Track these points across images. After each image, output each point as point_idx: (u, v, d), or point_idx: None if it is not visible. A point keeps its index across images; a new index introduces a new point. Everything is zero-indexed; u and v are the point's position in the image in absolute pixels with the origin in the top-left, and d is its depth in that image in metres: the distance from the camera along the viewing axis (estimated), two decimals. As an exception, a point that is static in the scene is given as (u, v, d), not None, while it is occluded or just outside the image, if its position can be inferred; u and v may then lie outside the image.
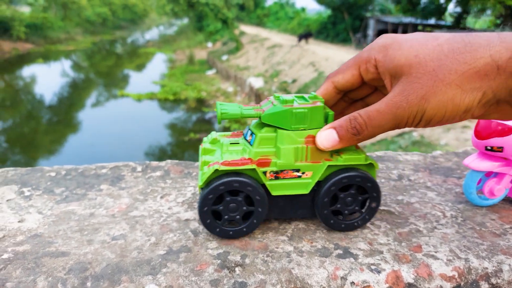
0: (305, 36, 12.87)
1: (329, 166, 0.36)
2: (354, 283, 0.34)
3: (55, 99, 11.32)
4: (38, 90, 12.30)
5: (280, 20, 21.38)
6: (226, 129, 7.33)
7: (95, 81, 13.90)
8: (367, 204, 0.38)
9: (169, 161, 0.59)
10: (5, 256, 0.36)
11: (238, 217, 0.37)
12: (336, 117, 0.39)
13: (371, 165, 0.37)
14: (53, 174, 0.54)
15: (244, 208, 0.36)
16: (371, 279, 0.34)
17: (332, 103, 0.40)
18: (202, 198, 0.35)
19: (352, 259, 0.36)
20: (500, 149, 0.44)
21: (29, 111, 10.34)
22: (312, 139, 0.36)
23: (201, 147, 0.40)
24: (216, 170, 0.35)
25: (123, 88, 11.91)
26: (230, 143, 0.38)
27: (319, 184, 0.37)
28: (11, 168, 0.56)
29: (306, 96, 0.38)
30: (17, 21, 17.46)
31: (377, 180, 0.50)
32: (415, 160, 0.63)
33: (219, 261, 0.35)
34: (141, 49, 20.76)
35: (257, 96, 9.01)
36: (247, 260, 0.35)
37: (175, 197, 0.48)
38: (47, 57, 17.20)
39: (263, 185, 0.37)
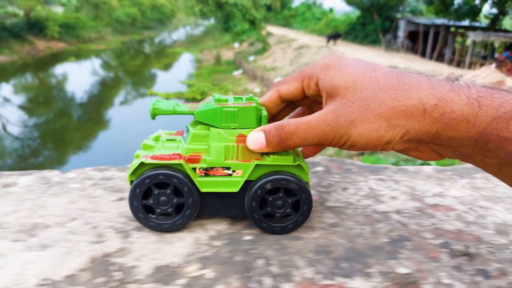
0: (334, 37, 12.72)
1: (257, 165, 0.37)
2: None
3: (86, 97, 11.62)
4: (70, 88, 12.66)
5: (307, 21, 21.23)
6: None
7: (123, 80, 14.20)
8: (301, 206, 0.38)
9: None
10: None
11: (170, 209, 0.37)
12: None
13: (300, 167, 0.37)
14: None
15: (175, 200, 0.36)
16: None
17: (277, 110, 0.41)
18: (131, 193, 0.36)
19: None
20: None
21: (61, 108, 10.65)
22: (243, 138, 0.36)
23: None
24: (142, 163, 0.36)
25: (150, 87, 12.10)
26: (167, 140, 0.39)
27: (250, 183, 0.37)
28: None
29: (244, 97, 0.38)
30: (51, 21, 18.06)
31: None
32: None
33: (446, 249, 0.36)
34: (169, 49, 21.06)
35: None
36: (472, 250, 0.36)
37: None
38: (78, 55, 17.70)
39: (194, 183, 0.37)
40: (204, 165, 0.36)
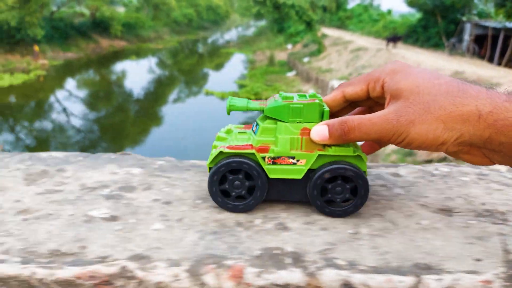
0: (393, 39, 12.20)
1: (319, 155, 0.40)
2: None
3: (142, 93, 12.07)
4: (128, 84, 13.22)
5: (363, 22, 20.59)
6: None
7: (178, 78, 14.60)
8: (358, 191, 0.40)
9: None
10: None
11: (243, 192, 0.41)
12: None
13: (359, 157, 0.40)
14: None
15: (247, 183, 0.41)
16: None
17: (338, 109, 0.44)
18: (209, 180, 0.41)
19: None
20: None
21: (119, 103, 11.13)
22: (307, 131, 0.40)
23: (216, 135, 0.45)
24: (221, 152, 0.40)
25: (203, 86, 12.32)
26: (239, 133, 0.44)
27: (312, 171, 0.41)
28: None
29: (307, 94, 0.42)
30: (115, 21, 19.04)
31: None
32: None
33: None
34: (222, 49, 21.42)
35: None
36: None
37: None
38: (138, 54, 18.50)
39: (263, 169, 0.41)
40: (272, 155, 0.40)
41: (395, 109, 0.36)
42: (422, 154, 5.21)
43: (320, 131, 0.39)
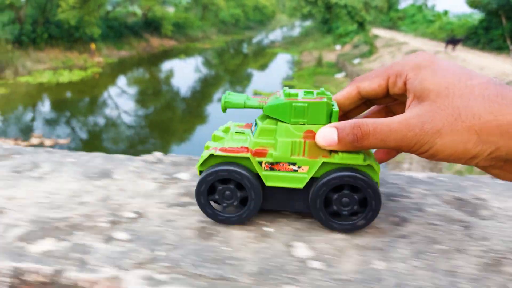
0: (453, 41, 11.50)
1: (323, 163, 0.35)
2: None
3: (189, 92, 12.23)
4: (175, 83, 13.47)
5: (417, 23, 19.67)
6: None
7: (223, 78, 14.68)
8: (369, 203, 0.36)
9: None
10: None
11: (236, 203, 0.37)
12: None
13: (371, 167, 0.35)
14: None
15: (239, 194, 0.37)
16: None
17: (351, 107, 0.39)
18: (196, 191, 0.36)
19: None
20: None
21: (167, 101, 11.34)
22: (311, 135, 0.35)
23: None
24: (211, 155, 0.36)
25: (247, 85, 12.27)
26: (236, 132, 0.40)
27: (316, 180, 0.36)
28: None
29: (315, 91, 0.37)
30: (166, 20, 19.54)
31: None
32: None
33: None
34: (268, 49, 21.34)
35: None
36: None
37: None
38: (187, 53, 18.87)
39: (258, 176, 0.36)
40: (270, 160, 0.36)
41: (419, 113, 0.31)
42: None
43: (327, 134, 0.34)
